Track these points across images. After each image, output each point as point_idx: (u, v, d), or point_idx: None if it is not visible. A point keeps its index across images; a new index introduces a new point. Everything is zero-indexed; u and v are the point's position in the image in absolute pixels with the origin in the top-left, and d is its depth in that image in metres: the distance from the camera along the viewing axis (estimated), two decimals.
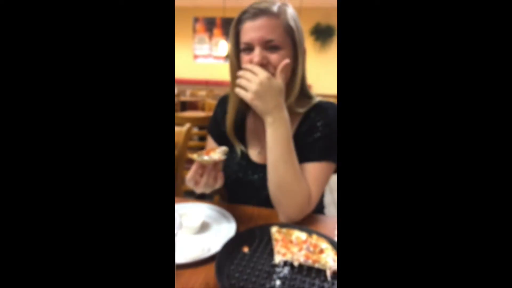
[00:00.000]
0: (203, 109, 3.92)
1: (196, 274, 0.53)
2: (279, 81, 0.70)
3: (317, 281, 0.51)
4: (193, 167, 0.68)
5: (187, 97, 4.88)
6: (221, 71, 6.45)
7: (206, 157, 0.66)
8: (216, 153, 0.67)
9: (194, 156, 0.66)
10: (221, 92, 5.00)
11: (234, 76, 0.75)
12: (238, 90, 0.70)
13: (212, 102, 3.09)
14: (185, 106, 4.61)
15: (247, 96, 0.68)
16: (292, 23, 0.74)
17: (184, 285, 0.51)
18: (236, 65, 0.77)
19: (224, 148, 0.69)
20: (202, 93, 5.07)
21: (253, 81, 0.67)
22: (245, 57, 0.74)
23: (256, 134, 0.86)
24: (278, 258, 0.54)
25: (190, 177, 0.69)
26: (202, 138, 2.65)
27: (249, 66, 0.70)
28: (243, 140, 0.87)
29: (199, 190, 0.71)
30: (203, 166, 0.68)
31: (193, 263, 0.55)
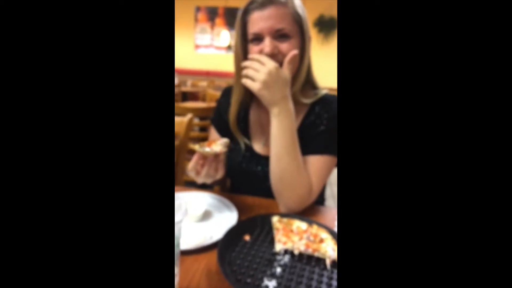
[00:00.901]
0: (204, 99, 3.91)
1: (199, 261, 0.55)
2: (286, 72, 0.70)
3: (316, 269, 0.52)
4: (194, 158, 0.69)
5: (188, 88, 4.86)
6: (223, 62, 6.41)
7: (207, 149, 0.66)
8: (217, 145, 0.68)
9: (196, 147, 0.67)
10: (222, 83, 4.98)
11: (239, 68, 0.75)
12: (245, 80, 0.69)
13: (213, 93, 3.07)
14: (186, 96, 4.60)
15: (254, 86, 0.68)
16: (299, 10, 0.74)
17: (187, 270, 0.52)
18: (241, 57, 0.77)
19: (225, 140, 0.70)
20: (203, 83, 5.05)
21: (261, 71, 0.67)
22: (254, 48, 0.74)
23: (260, 126, 0.86)
24: (278, 247, 0.56)
25: (191, 167, 0.70)
26: (203, 129, 2.65)
27: (256, 56, 0.70)
28: (246, 133, 0.87)
29: (200, 180, 0.71)
30: (204, 157, 0.68)
31: (196, 250, 0.57)
